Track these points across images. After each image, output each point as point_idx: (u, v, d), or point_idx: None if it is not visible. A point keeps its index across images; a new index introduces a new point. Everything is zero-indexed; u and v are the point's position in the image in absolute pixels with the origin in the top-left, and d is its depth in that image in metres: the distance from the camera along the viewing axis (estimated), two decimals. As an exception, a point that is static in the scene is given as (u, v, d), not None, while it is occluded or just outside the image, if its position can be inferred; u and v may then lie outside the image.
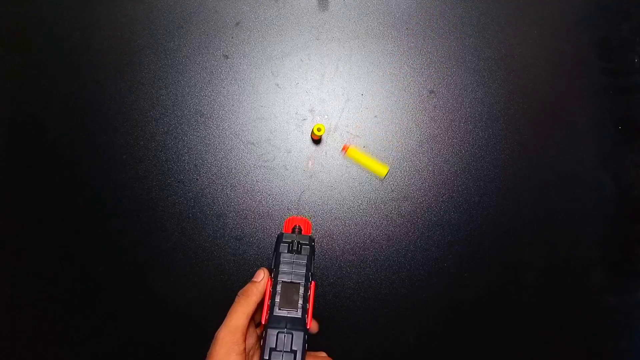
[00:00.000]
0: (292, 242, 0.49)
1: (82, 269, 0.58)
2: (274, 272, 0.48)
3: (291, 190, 0.60)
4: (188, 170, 0.60)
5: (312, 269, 0.49)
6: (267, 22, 0.62)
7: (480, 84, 0.62)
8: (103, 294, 0.58)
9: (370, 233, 0.60)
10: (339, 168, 0.60)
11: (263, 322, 0.46)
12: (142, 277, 0.58)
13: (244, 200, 0.59)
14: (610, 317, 0.60)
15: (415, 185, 0.61)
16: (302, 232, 0.52)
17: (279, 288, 0.46)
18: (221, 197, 0.59)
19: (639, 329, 0.60)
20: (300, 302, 0.46)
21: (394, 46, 0.63)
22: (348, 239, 0.59)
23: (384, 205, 0.60)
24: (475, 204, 0.61)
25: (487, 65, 0.63)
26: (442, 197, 0.60)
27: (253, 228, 0.59)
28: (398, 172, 0.61)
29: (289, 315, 0.45)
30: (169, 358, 0.58)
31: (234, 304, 0.47)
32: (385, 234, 0.60)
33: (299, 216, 0.57)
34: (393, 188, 0.60)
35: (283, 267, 0.48)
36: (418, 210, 0.60)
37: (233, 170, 0.60)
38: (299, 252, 0.48)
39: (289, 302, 0.46)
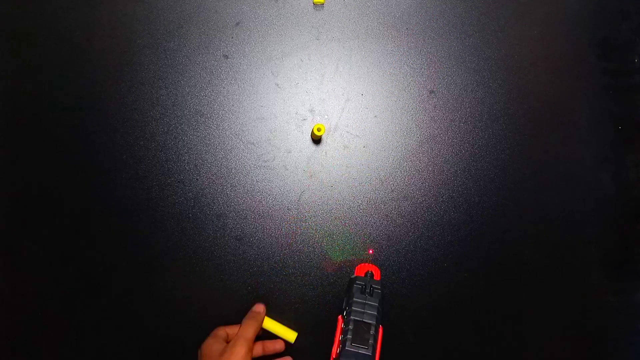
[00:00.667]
0: (365, 284, 0.52)
1: (82, 269, 0.58)
2: (346, 310, 0.51)
3: (291, 190, 0.60)
4: (188, 170, 0.60)
5: (382, 313, 0.52)
6: (267, 22, 0.62)
7: (480, 84, 0.62)
8: (103, 294, 0.58)
9: (370, 233, 0.60)
10: (339, 168, 0.60)
11: (333, 357, 0.49)
12: (142, 277, 0.58)
13: (244, 200, 0.59)
14: (610, 317, 0.60)
15: (415, 185, 0.61)
16: (374, 277, 0.55)
17: (351, 325, 0.49)
18: (221, 197, 0.59)
19: (639, 329, 0.60)
20: (371, 341, 0.49)
21: (394, 46, 0.63)
22: (348, 239, 0.59)
23: (384, 205, 0.60)
24: (475, 204, 0.60)
25: (487, 65, 0.63)
26: (442, 197, 0.60)
27: (253, 228, 0.59)
28: (398, 172, 0.61)
29: (359, 352, 0.48)
30: (169, 358, 0.58)
31: (244, 322, 0.53)
32: (385, 234, 0.60)
33: (371, 264, 0.58)
34: (393, 188, 0.60)
35: (355, 307, 0.51)
36: (418, 210, 0.60)
37: (233, 170, 0.60)
38: (370, 294, 0.52)
39: (360, 340, 0.49)
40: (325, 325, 0.57)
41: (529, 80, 0.63)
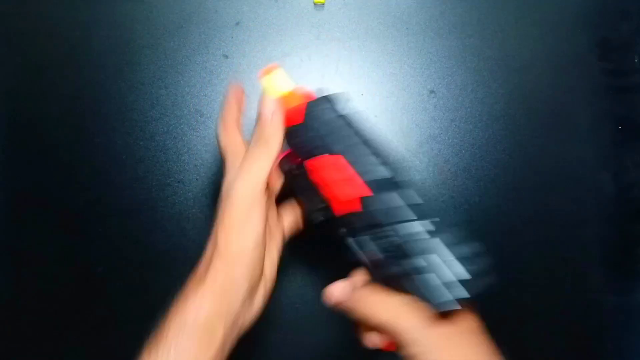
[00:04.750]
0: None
1: (82, 269, 0.58)
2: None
3: (291, 190, 0.60)
4: (188, 170, 0.60)
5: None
6: (267, 22, 0.62)
7: (480, 84, 0.62)
8: (102, 295, 0.58)
9: (370, 233, 0.59)
10: (339, 168, 0.60)
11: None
12: (141, 278, 0.58)
13: (244, 200, 0.59)
14: (610, 317, 0.60)
15: (415, 185, 0.60)
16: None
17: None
18: (221, 197, 0.59)
19: (639, 329, 0.60)
20: None
21: (394, 46, 0.63)
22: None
23: (384, 205, 0.60)
24: (475, 204, 0.60)
25: (487, 65, 0.63)
26: (442, 197, 0.60)
27: (253, 228, 0.59)
28: (398, 172, 0.61)
29: None
30: (169, 358, 0.58)
31: (251, 151, 0.36)
32: (385, 234, 0.60)
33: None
34: (393, 188, 0.60)
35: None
36: (418, 210, 0.60)
37: (233, 170, 0.60)
38: None
39: None
40: (328, 327, 0.57)
41: (529, 80, 0.63)
